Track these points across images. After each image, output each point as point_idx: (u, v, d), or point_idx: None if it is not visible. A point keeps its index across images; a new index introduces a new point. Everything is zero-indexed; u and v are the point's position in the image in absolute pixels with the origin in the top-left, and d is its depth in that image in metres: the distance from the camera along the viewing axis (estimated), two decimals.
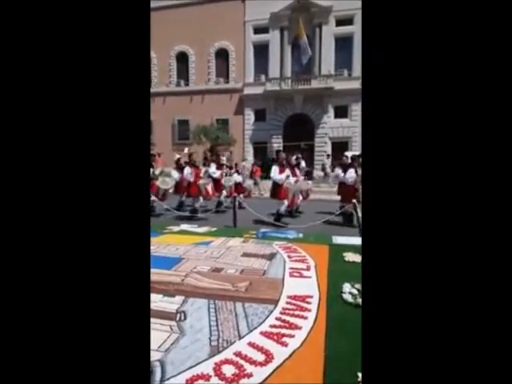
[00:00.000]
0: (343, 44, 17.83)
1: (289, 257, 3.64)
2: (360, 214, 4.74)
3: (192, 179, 6.06)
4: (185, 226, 5.31)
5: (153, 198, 6.09)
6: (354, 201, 4.99)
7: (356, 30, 17.44)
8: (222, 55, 19.70)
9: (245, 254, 3.73)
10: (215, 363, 1.73)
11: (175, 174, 6.68)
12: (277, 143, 17.77)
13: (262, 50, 18.95)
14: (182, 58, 20.25)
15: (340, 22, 17.71)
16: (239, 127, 19.25)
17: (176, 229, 5.13)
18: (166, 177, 6.66)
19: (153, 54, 20.03)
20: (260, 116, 19.08)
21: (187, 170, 6.07)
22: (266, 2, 18.06)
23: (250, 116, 19.27)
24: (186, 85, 20.19)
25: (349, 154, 7.70)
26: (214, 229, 5.16)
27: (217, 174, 6.95)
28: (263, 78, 18.76)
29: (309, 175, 14.44)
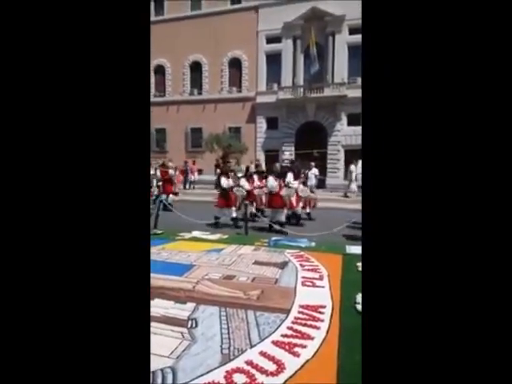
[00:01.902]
0: (356, 52, 17.78)
1: (301, 265, 3.61)
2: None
3: (277, 190, 5.77)
4: (196, 233, 5.34)
5: (232, 209, 6.01)
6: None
7: None
8: (235, 64, 19.97)
9: (256, 262, 3.71)
10: (226, 371, 1.72)
11: (245, 184, 6.54)
12: (288, 151, 17.76)
13: (274, 59, 19.12)
14: (196, 68, 20.61)
15: (353, 31, 17.71)
16: (251, 135, 19.36)
17: (188, 235, 5.17)
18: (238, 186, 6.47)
19: (167, 64, 20.47)
20: (272, 124, 19.15)
21: (272, 181, 5.81)
22: (279, 11, 18.28)
23: (262, 124, 19.37)
24: (200, 94, 20.50)
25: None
26: (226, 236, 5.17)
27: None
28: (275, 86, 18.87)
29: (321, 183, 14.35)
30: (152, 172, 7.65)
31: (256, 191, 6.79)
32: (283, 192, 5.74)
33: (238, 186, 6.37)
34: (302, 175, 7.09)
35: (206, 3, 19.78)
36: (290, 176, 5.81)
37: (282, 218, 5.76)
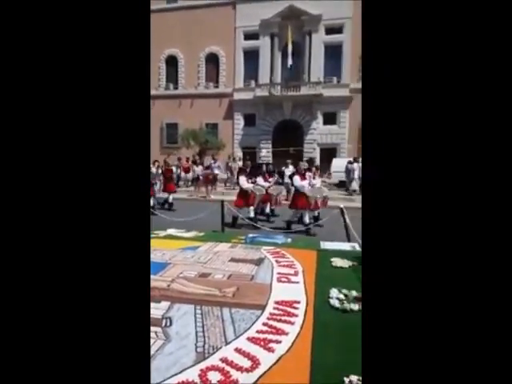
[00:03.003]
0: (332, 52, 18.13)
1: (277, 262, 3.64)
2: (348, 220, 4.79)
3: (305, 189, 5.48)
4: (172, 231, 5.25)
5: (251, 208, 5.76)
6: (342, 206, 5.04)
7: (345, 38, 17.78)
8: (212, 60, 19.74)
9: (233, 259, 3.71)
10: (201, 370, 1.71)
11: (265, 184, 6.29)
12: (266, 148, 17.84)
13: (252, 56, 19.09)
14: (172, 62, 20.19)
15: (329, 31, 18.02)
16: (229, 132, 19.26)
17: (163, 233, 5.07)
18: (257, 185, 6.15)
19: None
20: (249, 121, 19.15)
21: (298, 181, 5.52)
22: (256, 8, 18.23)
23: (239, 121, 19.31)
24: (175, 88, 20.11)
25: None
26: (202, 233, 5.12)
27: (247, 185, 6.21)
28: (253, 83, 18.87)
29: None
30: (153, 170, 7.31)
31: (271, 190, 6.40)
32: (309, 192, 5.57)
33: (257, 184, 6.06)
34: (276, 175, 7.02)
35: None
36: (296, 178, 5.65)
37: (306, 220, 5.50)
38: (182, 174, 11.24)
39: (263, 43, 18.80)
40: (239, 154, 17.81)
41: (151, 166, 6.97)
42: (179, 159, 11.55)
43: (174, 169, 8.69)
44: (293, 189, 6.33)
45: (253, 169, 6.56)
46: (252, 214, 5.87)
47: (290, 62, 17.32)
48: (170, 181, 8.39)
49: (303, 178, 5.63)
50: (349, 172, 11.10)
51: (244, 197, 5.86)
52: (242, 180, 5.98)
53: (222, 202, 5.66)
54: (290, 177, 7.01)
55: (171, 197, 8.02)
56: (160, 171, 8.29)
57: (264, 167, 6.96)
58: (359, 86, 17.30)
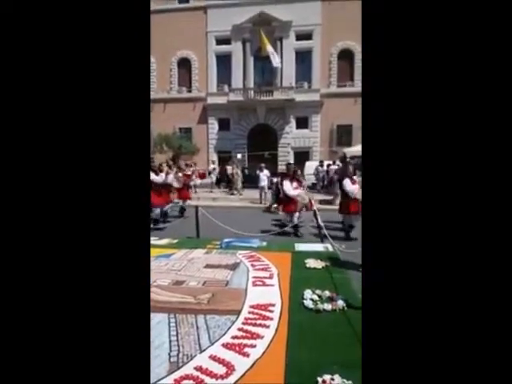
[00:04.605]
0: (303, 57, 18.53)
1: (252, 265, 3.65)
2: (320, 221, 4.88)
3: (356, 195, 4.98)
4: None
5: (296, 215, 5.45)
6: (315, 208, 5.14)
7: (315, 44, 18.24)
8: (185, 64, 19.57)
9: (208, 266, 3.67)
10: (175, 380, 1.68)
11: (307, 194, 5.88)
12: (241, 153, 17.87)
13: (224, 61, 19.12)
14: None
15: (300, 37, 18.42)
16: (203, 136, 19.12)
17: None
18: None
19: None
20: (224, 125, 19.12)
21: (349, 185, 5.11)
22: (227, 13, 18.32)
23: (213, 125, 19.24)
24: None
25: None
26: (176, 240, 5.03)
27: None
28: (226, 88, 18.88)
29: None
30: (162, 175, 6.57)
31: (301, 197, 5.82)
32: (304, 195, 5.48)
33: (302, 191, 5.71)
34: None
35: (153, 1, 19.09)
36: (285, 183, 5.54)
37: (355, 224, 5.15)
38: (198, 181, 10.74)
39: (235, 48, 18.90)
40: (214, 158, 17.72)
41: (159, 171, 6.47)
42: (191, 165, 10.63)
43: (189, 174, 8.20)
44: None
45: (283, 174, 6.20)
46: (296, 221, 5.54)
47: (277, 61, 17.13)
48: (185, 188, 7.83)
49: (353, 182, 5.14)
50: (318, 174, 11.55)
51: (292, 202, 5.50)
52: (287, 186, 5.50)
53: (197, 207, 5.60)
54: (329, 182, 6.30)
55: (186, 203, 7.65)
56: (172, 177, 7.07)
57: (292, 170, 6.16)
58: (329, 90, 17.86)
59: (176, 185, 6.99)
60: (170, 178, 6.58)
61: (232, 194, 11.66)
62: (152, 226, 5.88)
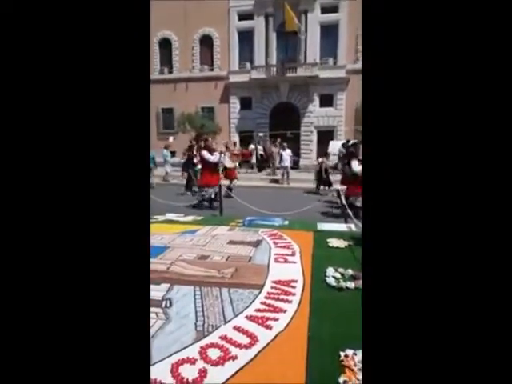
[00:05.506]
0: (328, 32, 17.67)
1: (274, 243, 3.69)
2: (344, 201, 4.81)
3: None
4: (170, 216, 5.28)
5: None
6: (339, 188, 5.05)
7: (341, 17, 17.31)
8: (207, 42, 19.25)
9: (231, 242, 3.75)
10: (201, 347, 1.76)
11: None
12: (263, 132, 17.68)
13: (246, 37, 18.61)
14: (166, 45, 19.68)
15: (325, 10, 17.50)
16: (225, 115, 19.01)
17: (161, 218, 5.10)
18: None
19: None
20: (246, 104, 18.87)
21: (356, 166, 4.96)
22: None
23: (235, 104, 19.03)
24: (170, 72, 19.69)
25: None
26: (200, 217, 5.15)
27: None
28: (248, 65, 18.48)
29: (295, 164, 14.50)
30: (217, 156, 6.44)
31: None
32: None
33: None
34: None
35: None
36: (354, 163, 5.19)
37: (358, 204, 4.85)
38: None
39: (258, 23, 18.30)
40: (235, 139, 17.65)
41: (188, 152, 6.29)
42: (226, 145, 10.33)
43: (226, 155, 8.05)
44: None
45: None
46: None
47: (303, 34, 16.72)
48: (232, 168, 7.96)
49: (361, 163, 4.97)
50: (339, 153, 11.02)
51: (357, 183, 4.96)
52: (355, 164, 5.14)
53: (220, 185, 5.67)
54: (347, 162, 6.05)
55: (232, 183, 7.72)
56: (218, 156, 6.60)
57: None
58: (356, 66, 17.01)
59: (229, 165, 6.91)
60: (225, 157, 6.43)
61: (276, 180, 10.90)
62: (208, 204, 5.89)
